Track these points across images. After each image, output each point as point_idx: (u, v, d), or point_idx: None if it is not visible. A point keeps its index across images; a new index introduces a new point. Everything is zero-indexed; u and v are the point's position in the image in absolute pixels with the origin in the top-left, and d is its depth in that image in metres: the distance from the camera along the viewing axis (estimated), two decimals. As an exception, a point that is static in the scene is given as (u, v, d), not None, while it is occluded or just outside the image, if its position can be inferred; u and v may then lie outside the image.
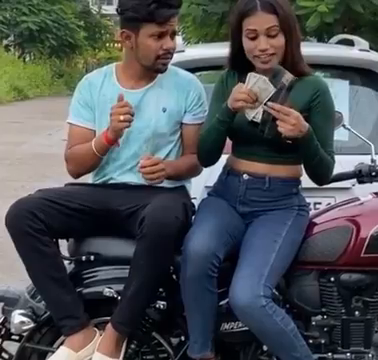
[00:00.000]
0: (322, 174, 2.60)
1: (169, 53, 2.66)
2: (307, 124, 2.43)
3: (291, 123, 2.38)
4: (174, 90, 2.74)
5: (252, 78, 2.43)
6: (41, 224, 2.53)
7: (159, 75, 2.74)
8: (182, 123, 2.76)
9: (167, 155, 2.75)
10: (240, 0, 2.57)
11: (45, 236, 2.54)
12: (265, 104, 2.38)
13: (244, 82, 2.46)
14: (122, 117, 2.55)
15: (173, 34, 2.66)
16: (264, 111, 2.40)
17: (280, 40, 2.52)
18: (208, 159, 2.68)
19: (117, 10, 2.67)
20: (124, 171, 2.74)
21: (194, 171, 2.79)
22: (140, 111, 2.70)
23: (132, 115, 2.58)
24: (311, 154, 2.49)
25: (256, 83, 2.42)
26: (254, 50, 2.52)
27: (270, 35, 2.50)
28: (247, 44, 2.54)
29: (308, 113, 2.53)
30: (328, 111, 2.59)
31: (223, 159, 2.72)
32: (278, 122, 2.39)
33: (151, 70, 2.70)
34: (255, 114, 2.44)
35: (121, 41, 2.70)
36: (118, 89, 2.72)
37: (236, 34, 2.58)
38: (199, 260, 2.42)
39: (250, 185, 2.60)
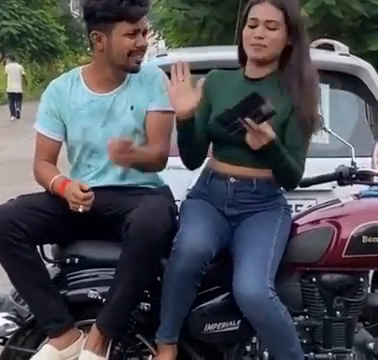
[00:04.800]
0: (288, 181, 2.61)
1: (142, 51, 2.65)
2: (274, 134, 2.45)
3: (260, 142, 2.43)
4: (139, 85, 2.72)
5: None
6: (22, 233, 2.51)
7: (127, 75, 2.72)
8: (147, 112, 2.73)
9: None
10: None
11: (26, 244, 2.53)
12: (243, 118, 2.39)
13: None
14: (81, 210, 2.52)
15: (144, 32, 2.65)
16: (237, 118, 2.40)
17: (276, 35, 2.55)
18: (190, 161, 2.70)
19: (84, 14, 2.63)
20: (104, 177, 2.73)
21: (157, 166, 2.72)
22: (113, 114, 2.70)
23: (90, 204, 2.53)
24: (276, 161, 2.51)
25: None
26: (250, 38, 2.57)
27: (269, 28, 2.55)
28: (245, 32, 2.59)
29: (287, 118, 2.57)
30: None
31: None
32: (248, 134, 2.43)
33: (125, 69, 2.67)
34: None
35: (91, 44, 2.66)
36: (89, 94, 2.71)
37: (243, 25, 2.62)
38: (195, 257, 2.43)
39: (238, 188, 2.62)
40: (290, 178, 2.59)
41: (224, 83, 2.63)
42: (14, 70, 19.48)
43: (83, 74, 2.76)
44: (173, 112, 2.55)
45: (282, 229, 2.59)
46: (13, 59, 21.06)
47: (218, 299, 2.60)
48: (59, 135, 2.76)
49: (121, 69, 2.68)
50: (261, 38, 2.55)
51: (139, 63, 2.67)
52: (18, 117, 18.52)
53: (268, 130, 2.42)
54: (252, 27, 2.57)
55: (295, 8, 2.59)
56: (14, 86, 19.07)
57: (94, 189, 2.70)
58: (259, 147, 2.44)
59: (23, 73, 19.91)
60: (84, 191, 2.53)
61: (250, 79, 2.65)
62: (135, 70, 2.68)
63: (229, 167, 2.63)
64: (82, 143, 2.73)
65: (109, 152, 2.52)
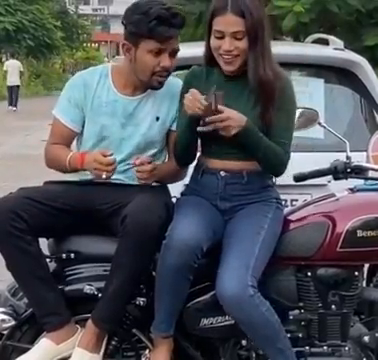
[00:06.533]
0: (272, 165, 2.62)
1: (166, 71, 2.68)
2: (244, 118, 2.50)
3: (228, 126, 2.46)
4: (166, 98, 2.77)
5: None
6: (24, 224, 2.53)
7: None
8: (170, 130, 2.80)
9: (154, 159, 2.78)
10: None
11: (28, 235, 2.55)
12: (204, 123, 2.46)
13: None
14: (104, 176, 2.57)
15: (173, 53, 2.68)
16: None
17: (244, 44, 2.55)
18: (184, 158, 2.73)
19: (122, 22, 2.69)
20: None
21: (179, 176, 2.85)
22: (134, 119, 2.73)
23: (114, 170, 2.59)
24: (253, 145, 2.55)
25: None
26: (219, 49, 2.58)
27: (236, 38, 2.55)
28: (213, 42, 2.60)
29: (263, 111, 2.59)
30: (285, 104, 2.61)
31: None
32: (220, 130, 2.49)
33: (146, 85, 2.72)
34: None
35: (123, 52, 2.72)
36: (114, 93, 2.75)
37: (209, 31, 2.62)
38: (186, 250, 2.44)
39: (229, 180, 2.64)
40: (274, 163, 2.60)
41: (205, 79, 2.66)
42: (13, 66, 22.01)
43: (112, 72, 2.78)
44: None
45: (272, 224, 2.60)
46: (13, 56, 23.79)
47: (213, 294, 2.60)
48: (77, 126, 2.78)
49: (143, 84, 2.72)
50: (230, 51, 2.56)
51: (161, 83, 2.70)
52: (15, 105, 20.19)
53: (232, 114, 2.46)
54: (219, 38, 2.57)
55: (255, 10, 2.54)
56: (13, 79, 21.31)
57: (92, 183, 2.73)
58: (231, 133, 2.48)
59: (21, 69, 22.47)
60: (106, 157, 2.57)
61: (227, 75, 2.66)
62: (156, 88, 2.72)
63: (219, 162, 2.65)
64: (96, 139, 2.76)
65: (138, 173, 2.61)
